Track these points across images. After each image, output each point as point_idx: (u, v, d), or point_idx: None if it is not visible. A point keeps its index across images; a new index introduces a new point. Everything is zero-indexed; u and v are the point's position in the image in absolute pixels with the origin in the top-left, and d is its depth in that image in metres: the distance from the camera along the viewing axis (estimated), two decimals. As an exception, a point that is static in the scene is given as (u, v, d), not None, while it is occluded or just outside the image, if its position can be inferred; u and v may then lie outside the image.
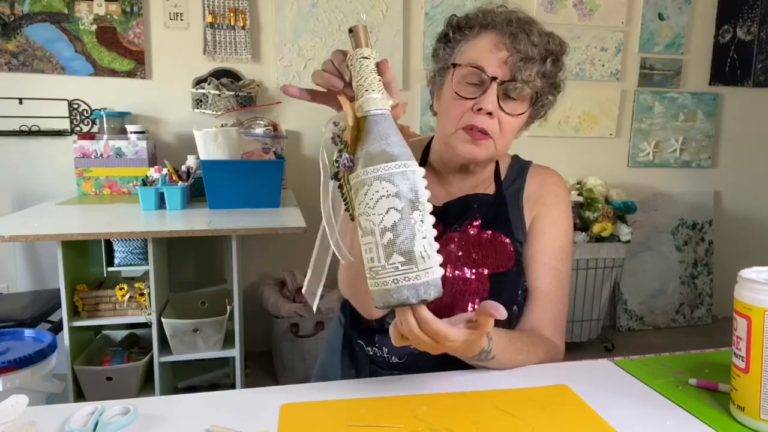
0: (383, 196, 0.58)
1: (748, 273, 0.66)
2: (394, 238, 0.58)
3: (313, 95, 0.70)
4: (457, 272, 0.90)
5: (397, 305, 0.60)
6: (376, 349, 0.93)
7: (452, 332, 0.64)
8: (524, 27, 0.86)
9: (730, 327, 0.67)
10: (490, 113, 0.84)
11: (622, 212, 2.82)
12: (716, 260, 3.30)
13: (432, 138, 1.02)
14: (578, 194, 2.82)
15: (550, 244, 0.95)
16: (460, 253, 0.91)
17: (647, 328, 3.22)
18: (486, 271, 0.90)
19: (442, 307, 0.89)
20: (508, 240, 0.92)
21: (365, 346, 0.95)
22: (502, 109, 0.85)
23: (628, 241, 2.81)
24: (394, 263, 0.58)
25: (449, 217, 0.94)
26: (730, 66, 3.19)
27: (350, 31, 0.63)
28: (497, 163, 1.00)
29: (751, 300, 0.63)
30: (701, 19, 3.15)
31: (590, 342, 2.91)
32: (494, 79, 0.84)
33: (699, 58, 3.19)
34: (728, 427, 0.66)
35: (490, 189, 0.98)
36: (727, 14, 3.16)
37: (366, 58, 0.62)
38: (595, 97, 3.06)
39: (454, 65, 0.88)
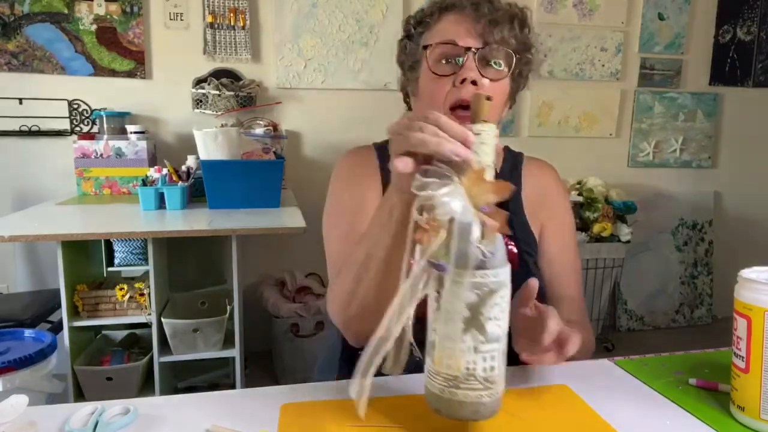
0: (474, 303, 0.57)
1: (748, 273, 0.65)
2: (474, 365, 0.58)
3: (419, 162, 0.62)
4: None
5: (457, 419, 0.60)
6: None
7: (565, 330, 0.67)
8: None
9: (730, 327, 0.67)
10: (474, 82, 0.82)
11: (622, 212, 2.82)
12: (716, 260, 3.30)
13: None
14: (578, 194, 2.82)
15: (570, 249, 0.97)
16: None
17: (647, 328, 3.21)
18: None
19: None
20: (510, 241, 0.92)
21: None
22: (484, 76, 0.83)
23: (628, 241, 2.81)
24: (475, 383, 0.58)
25: None
26: (730, 66, 3.19)
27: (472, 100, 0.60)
28: None
29: (751, 300, 0.63)
30: (701, 19, 3.15)
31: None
32: (468, 49, 0.83)
33: (699, 58, 3.19)
34: (728, 427, 0.66)
35: None
36: (727, 14, 3.16)
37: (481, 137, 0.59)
38: (595, 97, 3.06)
39: (425, 47, 0.87)
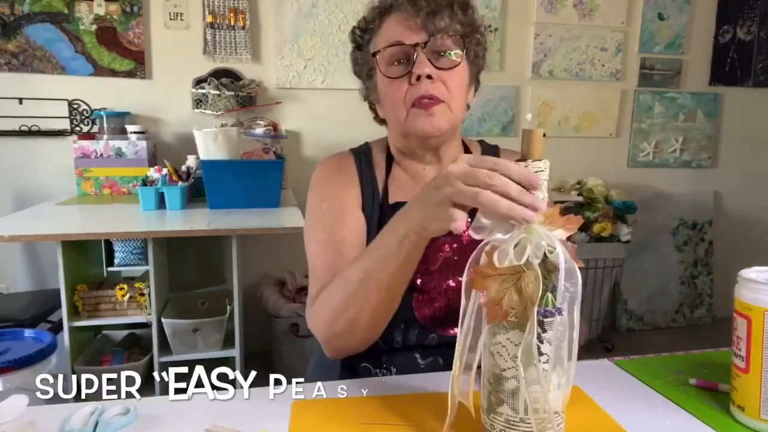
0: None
1: (748, 273, 0.65)
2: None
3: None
4: (460, 279, 0.88)
5: None
6: (385, 371, 0.90)
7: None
8: None
9: (730, 327, 0.67)
10: (429, 77, 0.82)
11: (622, 212, 2.82)
12: (716, 260, 3.30)
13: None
14: (578, 194, 2.82)
15: None
16: (456, 258, 0.89)
17: (647, 328, 3.21)
18: None
19: (447, 313, 0.88)
20: None
21: (372, 368, 0.91)
22: (438, 67, 0.83)
23: (628, 241, 2.81)
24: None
25: None
26: (730, 66, 3.19)
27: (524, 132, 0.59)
28: (470, 151, 0.98)
29: (751, 300, 0.63)
30: (701, 19, 3.15)
31: (590, 342, 2.91)
32: (416, 45, 0.82)
33: (699, 58, 3.18)
34: (728, 427, 0.66)
35: None
36: (727, 14, 3.16)
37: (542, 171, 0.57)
38: (595, 97, 3.06)
39: (374, 54, 0.87)
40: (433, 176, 0.91)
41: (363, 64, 0.92)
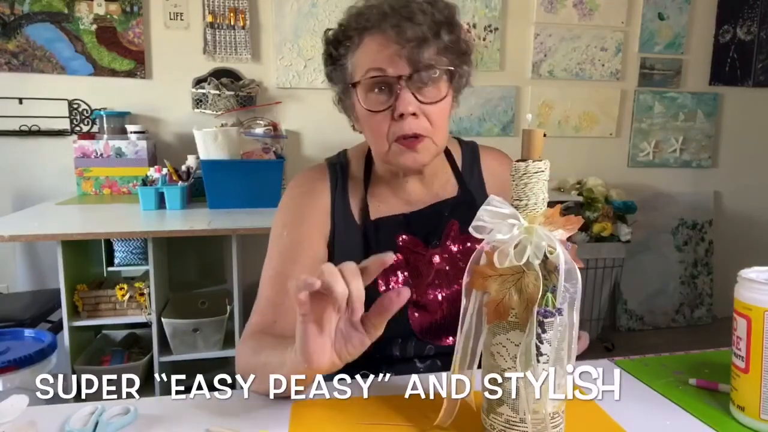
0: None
1: (748, 273, 0.65)
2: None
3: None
4: (455, 287, 0.87)
5: None
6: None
7: None
8: (402, 12, 0.76)
9: (730, 327, 0.67)
10: (413, 114, 0.78)
11: (622, 212, 2.82)
12: (716, 260, 3.30)
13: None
14: (578, 194, 2.82)
15: None
16: (447, 268, 0.88)
17: (647, 328, 3.21)
18: None
19: (443, 324, 0.88)
20: None
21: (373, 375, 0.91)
22: (422, 102, 0.78)
23: (628, 241, 2.81)
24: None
25: (424, 230, 0.89)
26: (730, 66, 3.19)
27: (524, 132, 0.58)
28: (452, 157, 0.94)
29: (751, 300, 0.63)
30: (701, 19, 3.15)
31: (590, 342, 2.90)
32: (399, 78, 0.77)
33: (699, 58, 3.18)
34: (728, 427, 0.66)
35: (453, 190, 0.92)
36: (727, 14, 3.16)
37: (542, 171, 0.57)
38: (595, 97, 3.06)
39: (353, 85, 0.81)
40: (414, 187, 0.89)
41: (338, 81, 0.86)
